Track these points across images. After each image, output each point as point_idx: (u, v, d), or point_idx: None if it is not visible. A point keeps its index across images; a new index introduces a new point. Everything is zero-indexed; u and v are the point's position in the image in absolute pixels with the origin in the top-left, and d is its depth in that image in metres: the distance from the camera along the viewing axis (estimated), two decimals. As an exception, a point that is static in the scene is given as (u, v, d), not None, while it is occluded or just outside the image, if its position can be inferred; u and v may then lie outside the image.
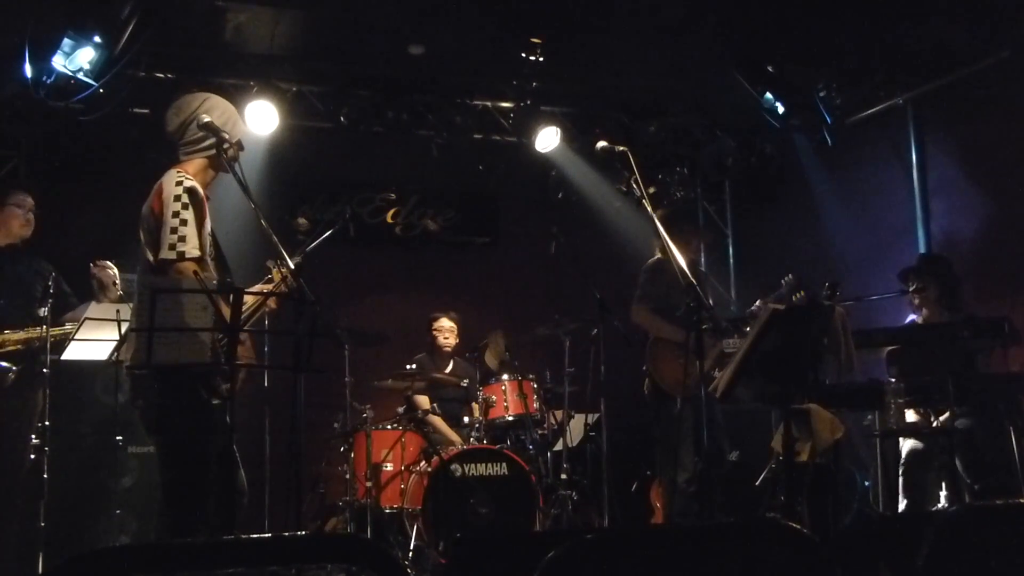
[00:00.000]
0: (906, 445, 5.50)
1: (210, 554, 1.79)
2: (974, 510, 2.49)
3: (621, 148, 4.50)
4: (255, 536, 2.00)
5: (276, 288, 4.01)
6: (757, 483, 5.96)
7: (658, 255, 5.77)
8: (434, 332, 7.22)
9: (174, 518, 3.75)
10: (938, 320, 5.59)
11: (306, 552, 1.94)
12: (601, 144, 4.59)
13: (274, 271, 4.12)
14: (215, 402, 3.67)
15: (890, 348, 5.32)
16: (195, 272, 3.68)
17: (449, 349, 7.21)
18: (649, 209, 4.38)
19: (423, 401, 6.74)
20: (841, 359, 4.30)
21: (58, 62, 5.85)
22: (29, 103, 6.12)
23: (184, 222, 3.69)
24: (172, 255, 3.65)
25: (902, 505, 5.44)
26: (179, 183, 3.77)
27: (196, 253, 3.68)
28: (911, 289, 5.67)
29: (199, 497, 3.70)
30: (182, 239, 3.67)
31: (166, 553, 1.75)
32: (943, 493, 5.43)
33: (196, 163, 3.91)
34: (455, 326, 7.24)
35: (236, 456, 3.85)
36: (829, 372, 4.83)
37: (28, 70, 5.84)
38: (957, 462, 5.21)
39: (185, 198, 3.72)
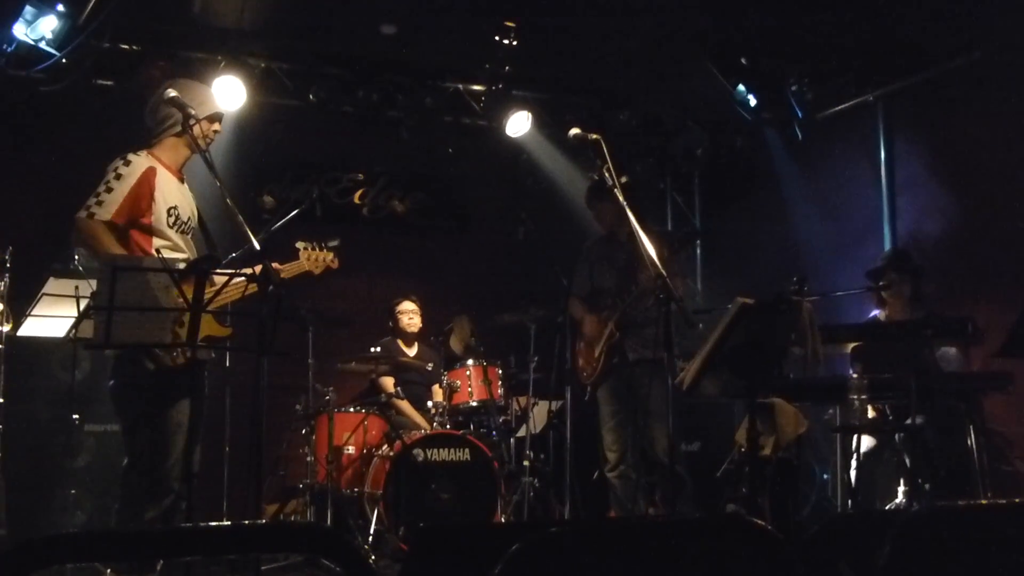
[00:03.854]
0: (864, 442, 5.54)
1: (167, 542, 1.75)
2: (936, 510, 2.50)
3: (594, 136, 4.46)
4: (213, 524, 1.96)
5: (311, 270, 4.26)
6: (718, 475, 5.99)
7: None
8: (398, 314, 7.16)
9: (125, 498, 3.80)
10: (901, 317, 5.62)
11: (265, 541, 1.90)
12: (574, 131, 4.55)
13: (302, 252, 4.20)
14: (152, 367, 3.65)
15: (854, 344, 5.34)
16: (158, 251, 3.75)
17: (415, 330, 7.16)
18: (620, 198, 4.36)
19: (387, 383, 6.69)
20: (808, 354, 4.31)
21: (19, 30, 5.72)
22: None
23: (110, 189, 3.79)
24: (83, 213, 3.74)
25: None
26: (121, 156, 3.88)
27: (106, 217, 3.73)
28: (881, 284, 5.68)
29: (143, 477, 3.74)
30: (100, 203, 3.76)
31: (121, 540, 1.71)
32: (901, 489, 5.47)
33: (166, 143, 3.99)
34: (418, 308, 7.20)
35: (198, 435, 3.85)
36: (795, 366, 4.84)
37: (-12, 37, 5.70)
38: (907, 460, 5.25)
39: (121, 169, 3.82)
